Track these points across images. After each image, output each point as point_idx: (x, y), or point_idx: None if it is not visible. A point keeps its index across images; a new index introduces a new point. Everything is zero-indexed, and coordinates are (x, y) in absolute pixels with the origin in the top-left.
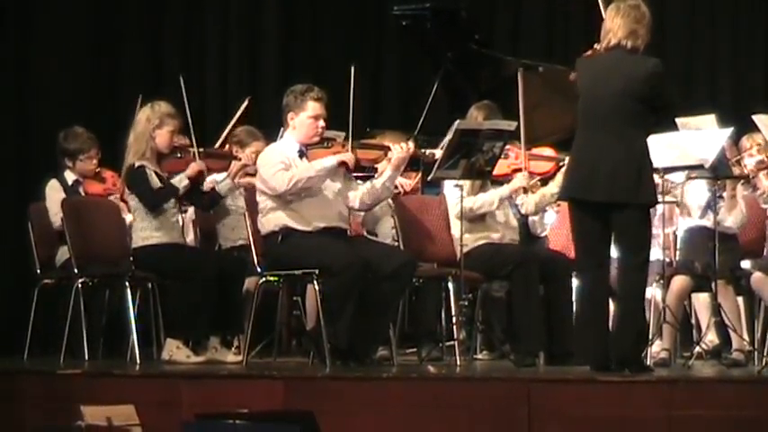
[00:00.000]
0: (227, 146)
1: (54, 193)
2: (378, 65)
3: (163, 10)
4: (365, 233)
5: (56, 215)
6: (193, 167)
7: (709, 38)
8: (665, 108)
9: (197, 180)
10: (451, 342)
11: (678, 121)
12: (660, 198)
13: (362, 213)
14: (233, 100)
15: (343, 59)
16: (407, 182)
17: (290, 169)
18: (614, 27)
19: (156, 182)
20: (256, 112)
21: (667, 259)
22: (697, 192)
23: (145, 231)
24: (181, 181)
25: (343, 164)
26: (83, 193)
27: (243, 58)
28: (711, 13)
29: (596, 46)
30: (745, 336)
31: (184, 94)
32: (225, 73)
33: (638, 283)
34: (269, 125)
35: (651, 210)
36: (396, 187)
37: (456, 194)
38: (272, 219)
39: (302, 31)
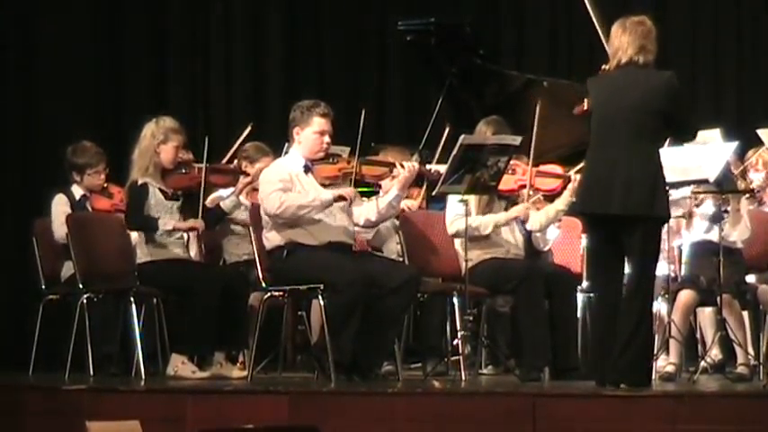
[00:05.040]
0: (235, 161)
1: (59, 207)
2: (382, 80)
3: (167, 22)
4: (370, 249)
5: (59, 228)
6: (189, 224)
7: (712, 52)
8: (682, 124)
9: (186, 231)
10: (456, 357)
11: None
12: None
13: (370, 234)
14: (238, 115)
15: (347, 75)
16: (413, 203)
17: (287, 192)
18: (623, 45)
19: (159, 198)
20: (261, 128)
21: (672, 274)
22: (702, 206)
23: (149, 247)
24: (166, 224)
25: (341, 198)
26: (90, 209)
27: (247, 73)
28: (715, 27)
29: (605, 66)
30: (750, 350)
31: (205, 151)
32: (229, 88)
33: (638, 302)
34: (273, 140)
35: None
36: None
37: (454, 212)
38: (278, 234)
39: (306, 47)
